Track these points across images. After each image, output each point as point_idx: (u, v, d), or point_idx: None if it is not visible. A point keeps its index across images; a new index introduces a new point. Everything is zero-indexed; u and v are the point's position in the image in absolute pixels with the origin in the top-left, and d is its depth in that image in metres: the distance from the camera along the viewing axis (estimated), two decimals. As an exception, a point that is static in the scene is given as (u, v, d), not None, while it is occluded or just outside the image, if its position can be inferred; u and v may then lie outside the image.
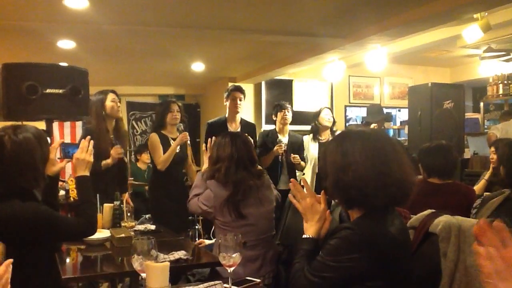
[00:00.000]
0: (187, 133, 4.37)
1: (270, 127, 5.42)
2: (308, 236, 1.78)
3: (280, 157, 4.73)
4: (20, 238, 2.02)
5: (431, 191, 3.08)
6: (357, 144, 1.65)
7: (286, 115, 4.91)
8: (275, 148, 4.70)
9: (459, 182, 3.46)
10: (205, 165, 3.10)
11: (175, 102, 4.54)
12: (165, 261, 2.19)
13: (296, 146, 4.95)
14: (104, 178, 3.80)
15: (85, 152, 2.38)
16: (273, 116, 5.07)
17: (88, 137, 2.50)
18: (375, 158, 1.61)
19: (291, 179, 1.98)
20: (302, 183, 1.90)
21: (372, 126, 5.43)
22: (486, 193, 3.33)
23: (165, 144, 4.34)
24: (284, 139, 4.86)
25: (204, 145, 3.23)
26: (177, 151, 4.32)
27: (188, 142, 4.42)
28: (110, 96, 4.02)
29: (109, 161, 3.89)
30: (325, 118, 5.03)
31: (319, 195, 1.83)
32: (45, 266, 2.17)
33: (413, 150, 5.02)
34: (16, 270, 1.38)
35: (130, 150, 8.47)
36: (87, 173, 2.37)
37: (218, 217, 2.84)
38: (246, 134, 3.25)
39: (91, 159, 2.40)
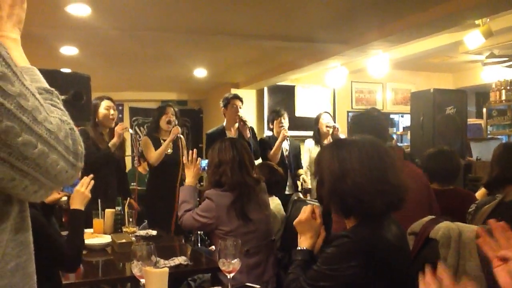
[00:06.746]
0: (179, 128, 4.32)
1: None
2: (302, 248, 1.78)
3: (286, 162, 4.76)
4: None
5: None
6: (353, 152, 1.66)
7: (282, 122, 4.92)
8: (281, 133, 4.74)
9: (459, 188, 3.44)
10: (188, 178, 3.00)
11: (171, 106, 4.52)
12: (165, 266, 2.19)
13: (296, 151, 5.00)
14: (103, 178, 3.67)
15: (85, 187, 2.44)
16: (270, 123, 5.10)
17: (91, 175, 2.53)
18: (372, 165, 1.62)
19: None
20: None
21: None
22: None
23: (157, 145, 4.30)
24: (285, 143, 4.88)
25: (185, 157, 3.09)
26: (169, 152, 4.29)
27: (182, 136, 4.35)
28: (104, 103, 3.89)
29: (115, 140, 3.84)
30: (324, 124, 5.04)
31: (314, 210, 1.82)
32: (45, 271, 2.17)
33: (416, 155, 5.02)
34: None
35: (133, 155, 8.48)
36: (82, 208, 2.41)
37: (221, 227, 2.76)
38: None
39: (89, 195, 2.46)
